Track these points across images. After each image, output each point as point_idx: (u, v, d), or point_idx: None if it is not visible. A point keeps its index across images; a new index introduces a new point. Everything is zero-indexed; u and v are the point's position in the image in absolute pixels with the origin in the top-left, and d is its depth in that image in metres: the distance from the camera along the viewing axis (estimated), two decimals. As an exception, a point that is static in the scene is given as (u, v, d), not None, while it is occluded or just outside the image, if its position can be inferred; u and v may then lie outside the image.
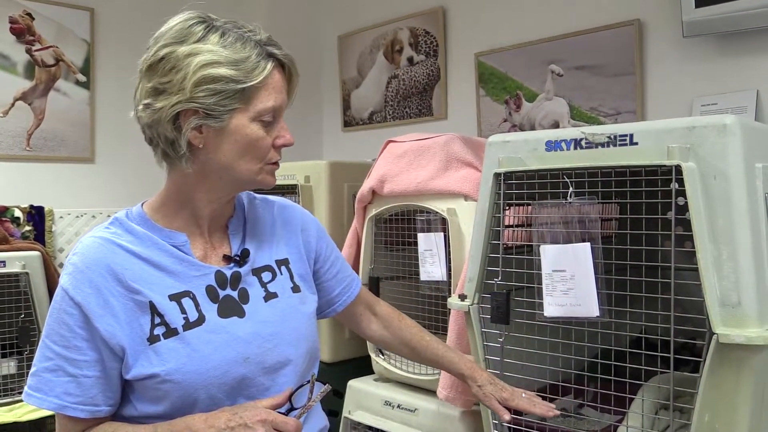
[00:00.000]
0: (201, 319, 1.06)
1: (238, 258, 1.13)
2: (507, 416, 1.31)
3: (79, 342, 1.01)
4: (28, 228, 2.89)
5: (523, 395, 1.33)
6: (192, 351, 1.03)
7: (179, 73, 1.01)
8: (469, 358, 1.42)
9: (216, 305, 1.08)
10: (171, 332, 1.03)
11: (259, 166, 1.09)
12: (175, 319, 1.04)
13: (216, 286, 1.09)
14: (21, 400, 2.28)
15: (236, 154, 1.06)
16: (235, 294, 1.11)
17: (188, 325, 1.04)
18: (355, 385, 2.17)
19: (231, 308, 1.09)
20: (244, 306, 1.11)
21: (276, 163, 1.12)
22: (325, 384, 1.10)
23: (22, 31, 3.00)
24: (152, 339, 1.02)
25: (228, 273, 1.11)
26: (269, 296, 1.14)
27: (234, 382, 1.05)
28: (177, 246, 1.08)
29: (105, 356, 1.02)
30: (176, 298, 1.05)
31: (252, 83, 1.03)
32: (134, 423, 1.05)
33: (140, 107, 1.04)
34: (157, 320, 1.03)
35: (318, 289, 1.28)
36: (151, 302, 1.03)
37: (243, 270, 1.13)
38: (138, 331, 1.02)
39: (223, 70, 1.01)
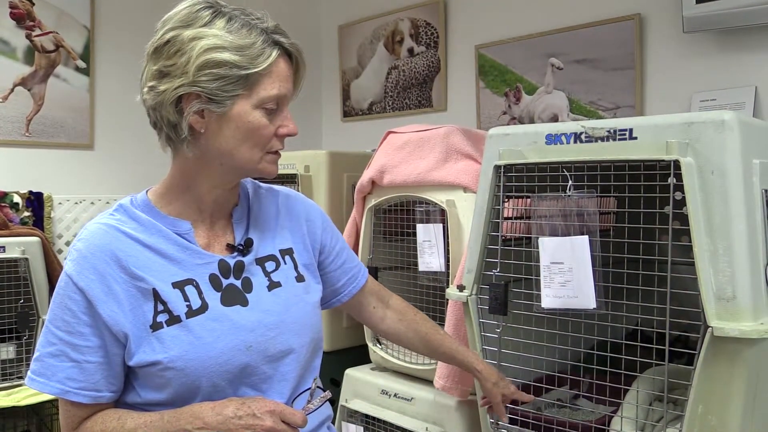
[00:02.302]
0: (204, 307, 1.06)
1: (241, 247, 1.14)
2: (505, 419, 1.45)
3: (82, 328, 1.01)
4: (26, 214, 2.89)
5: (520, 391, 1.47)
6: (195, 338, 1.03)
7: (183, 57, 1.01)
8: (476, 353, 1.47)
9: (219, 294, 1.08)
10: (174, 319, 1.03)
11: (260, 155, 1.08)
12: (178, 307, 1.04)
13: (219, 274, 1.10)
14: (20, 385, 2.29)
15: (237, 140, 1.05)
16: (238, 283, 1.11)
17: (191, 313, 1.05)
18: (352, 373, 2.18)
19: (234, 297, 1.09)
20: (247, 295, 1.11)
21: (277, 153, 1.11)
22: (325, 391, 1.11)
23: (22, 17, 2.99)
24: (155, 326, 1.03)
25: (231, 262, 1.12)
26: (273, 285, 1.14)
27: (236, 370, 1.05)
28: (181, 234, 1.09)
29: (108, 342, 1.02)
30: (179, 285, 1.06)
31: (256, 70, 1.03)
32: (138, 410, 1.06)
33: (145, 89, 1.05)
34: (160, 307, 1.04)
35: (323, 279, 1.28)
36: (154, 289, 1.03)
37: (246, 259, 1.13)
38: (141, 318, 1.03)
39: (226, 55, 1.01)
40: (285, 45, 1.07)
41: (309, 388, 1.12)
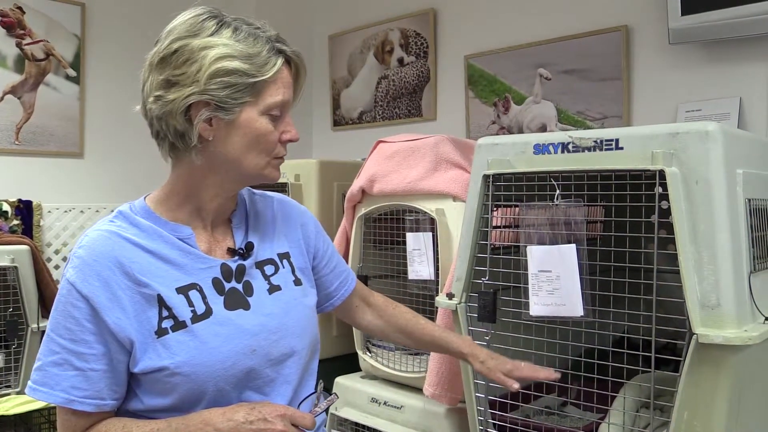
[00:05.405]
0: (208, 312, 1.07)
1: (242, 251, 1.15)
2: (516, 385, 1.31)
3: (86, 335, 1.01)
4: (16, 222, 2.89)
5: (523, 365, 1.34)
6: (201, 343, 1.04)
7: (194, 65, 1.02)
8: (467, 337, 1.43)
9: (222, 298, 1.09)
10: (179, 325, 1.04)
11: (266, 160, 1.10)
12: (183, 312, 1.04)
13: (222, 278, 1.10)
14: (8, 394, 2.28)
15: (244, 147, 1.07)
16: (240, 287, 1.12)
17: (196, 318, 1.05)
18: (342, 382, 2.19)
19: (237, 301, 1.10)
20: (249, 298, 1.12)
21: (281, 158, 1.13)
22: (332, 394, 1.13)
23: (13, 25, 2.99)
24: (160, 332, 1.03)
25: (233, 265, 1.13)
26: (273, 289, 1.16)
27: (241, 374, 1.06)
28: (182, 239, 1.09)
29: (112, 349, 1.02)
30: (183, 290, 1.06)
31: (263, 78, 1.05)
32: (140, 417, 1.06)
33: (150, 99, 1.05)
34: (165, 313, 1.04)
35: (317, 284, 1.30)
36: (159, 295, 1.04)
37: (247, 263, 1.14)
38: (146, 324, 1.03)
39: (237, 64, 1.03)
40: (288, 53, 1.10)
41: (315, 392, 1.14)
